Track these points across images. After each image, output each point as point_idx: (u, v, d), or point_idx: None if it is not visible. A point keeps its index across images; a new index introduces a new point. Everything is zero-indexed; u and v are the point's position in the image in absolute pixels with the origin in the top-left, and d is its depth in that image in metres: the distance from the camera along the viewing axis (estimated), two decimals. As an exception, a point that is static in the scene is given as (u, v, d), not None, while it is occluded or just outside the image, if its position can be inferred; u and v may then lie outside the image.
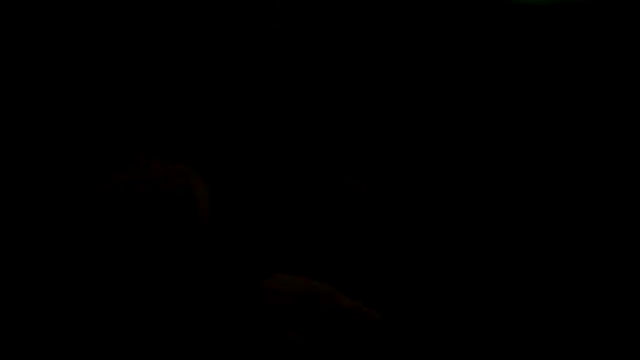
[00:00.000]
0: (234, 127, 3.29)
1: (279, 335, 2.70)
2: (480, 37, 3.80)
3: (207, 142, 3.31)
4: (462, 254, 3.15)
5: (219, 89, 3.51)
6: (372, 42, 3.75)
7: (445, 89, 3.71)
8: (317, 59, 3.69)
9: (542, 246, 3.27)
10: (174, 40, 3.64)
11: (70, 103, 3.46)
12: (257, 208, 2.97)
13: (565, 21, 3.83)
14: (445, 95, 3.69)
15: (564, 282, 3.19)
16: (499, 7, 3.80)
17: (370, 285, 2.97)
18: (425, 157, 3.56)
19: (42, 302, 2.81)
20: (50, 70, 3.55)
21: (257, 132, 3.27)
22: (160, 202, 2.79)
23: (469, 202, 3.40)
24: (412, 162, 3.52)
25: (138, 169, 2.83)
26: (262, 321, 2.71)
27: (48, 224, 2.84)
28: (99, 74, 3.55)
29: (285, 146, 3.27)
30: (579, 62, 3.79)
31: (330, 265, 2.88)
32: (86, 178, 2.94)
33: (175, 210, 2.85)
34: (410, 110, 3.67)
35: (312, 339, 2.71)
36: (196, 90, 3.51)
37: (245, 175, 3.12)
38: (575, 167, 3.56)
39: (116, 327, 2.79)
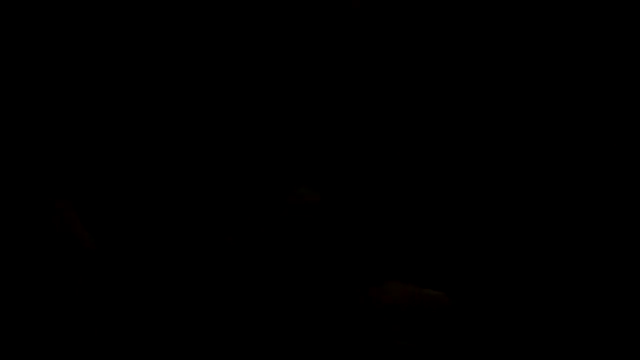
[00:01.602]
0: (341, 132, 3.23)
1: (390, 344, 2.65)
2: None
3: (314, 147, 3.22)
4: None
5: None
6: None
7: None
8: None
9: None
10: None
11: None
12: (368, 216, 2.90)
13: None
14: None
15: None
16: None
17: (481, 290, 2.95)
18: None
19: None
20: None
21: (366, 137, 3.20)
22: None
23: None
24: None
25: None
26: (374, 330, 2.65)
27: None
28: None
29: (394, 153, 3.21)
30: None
31: (440, 271, 2.84)
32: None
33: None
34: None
35: (424, 345, 2.67)
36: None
37: (355, 184, 3.04)
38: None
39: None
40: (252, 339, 2.74)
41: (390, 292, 2.69)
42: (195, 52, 3.51)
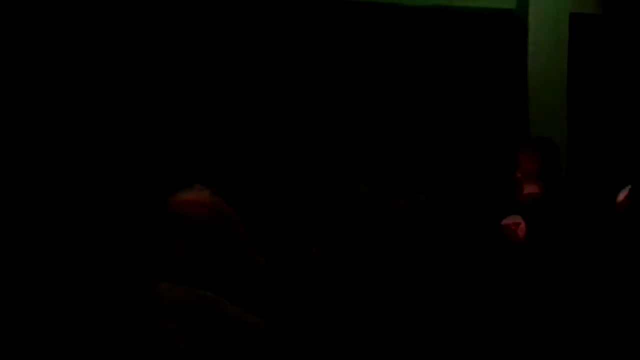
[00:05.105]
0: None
1: (169, 346, 2.51)
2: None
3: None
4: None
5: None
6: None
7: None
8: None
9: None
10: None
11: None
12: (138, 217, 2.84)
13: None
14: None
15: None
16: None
17: (253, 292, 2.80)
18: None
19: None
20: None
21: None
22: None
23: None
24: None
25: None
26: (150, 331, 2.53)
27: None
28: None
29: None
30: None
31: (211, 273, 2.68)
32: None
33: None
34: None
35: (200, 346, 2.51)
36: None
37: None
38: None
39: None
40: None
41: (163, 293, 2.57)
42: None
